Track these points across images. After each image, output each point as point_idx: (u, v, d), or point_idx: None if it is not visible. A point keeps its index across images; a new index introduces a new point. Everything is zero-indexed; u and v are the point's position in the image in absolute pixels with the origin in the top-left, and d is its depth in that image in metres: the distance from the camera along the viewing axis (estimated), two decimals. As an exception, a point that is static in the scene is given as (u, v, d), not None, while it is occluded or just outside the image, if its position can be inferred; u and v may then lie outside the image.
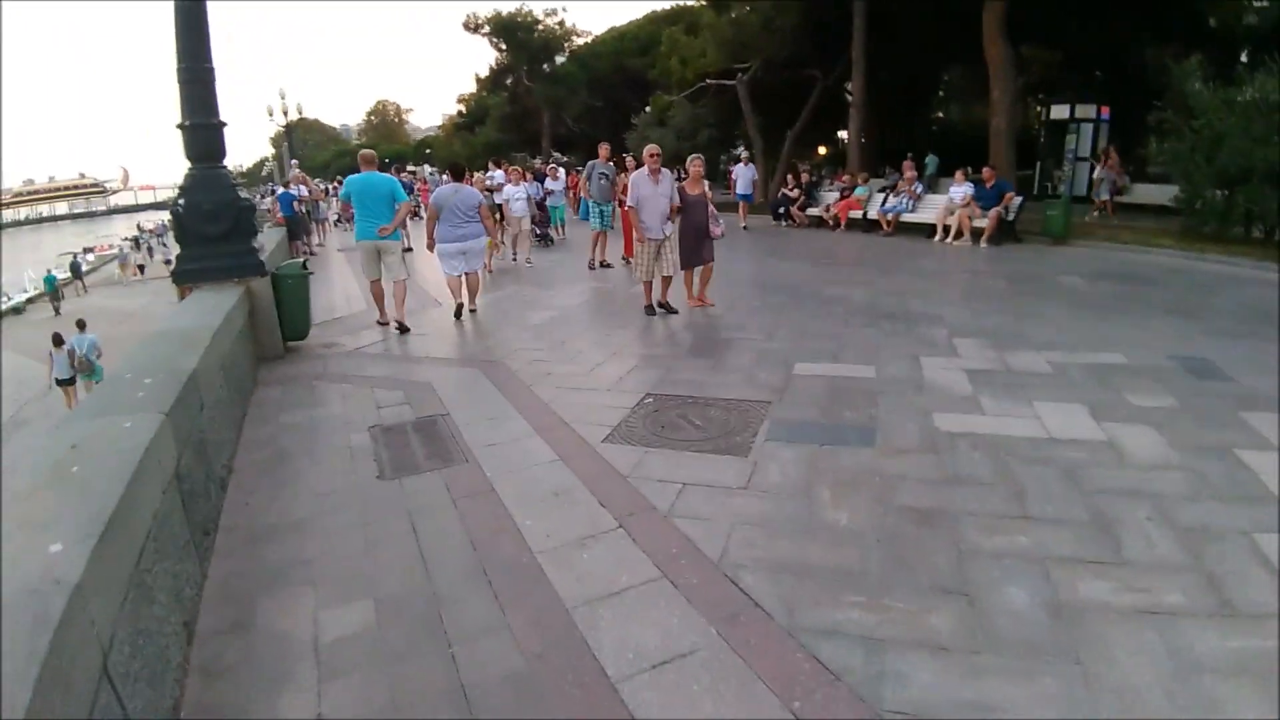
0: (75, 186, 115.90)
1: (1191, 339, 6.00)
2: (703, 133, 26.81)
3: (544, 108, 40.12)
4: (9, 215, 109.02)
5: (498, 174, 14.91)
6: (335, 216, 21.65)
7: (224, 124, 6.13)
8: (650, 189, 7.39)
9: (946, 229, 13.35)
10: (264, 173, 73.43)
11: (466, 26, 39.62)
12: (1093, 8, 17.42)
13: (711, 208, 7.75)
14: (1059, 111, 21.35)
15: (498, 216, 11.57)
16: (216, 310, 4.89)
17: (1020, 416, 4.35)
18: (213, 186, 6.02)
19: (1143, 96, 19.03)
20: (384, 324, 7.47)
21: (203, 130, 5.97)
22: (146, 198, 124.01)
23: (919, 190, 15.19)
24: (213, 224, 5.99)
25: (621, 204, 10.12)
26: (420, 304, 8.87)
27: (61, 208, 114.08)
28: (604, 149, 11.79)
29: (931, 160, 23.34)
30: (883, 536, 3.03)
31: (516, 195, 11.88)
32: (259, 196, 40.05)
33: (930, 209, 14.54)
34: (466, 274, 7.73)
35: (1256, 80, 11.48)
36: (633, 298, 8.56)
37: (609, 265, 10.99)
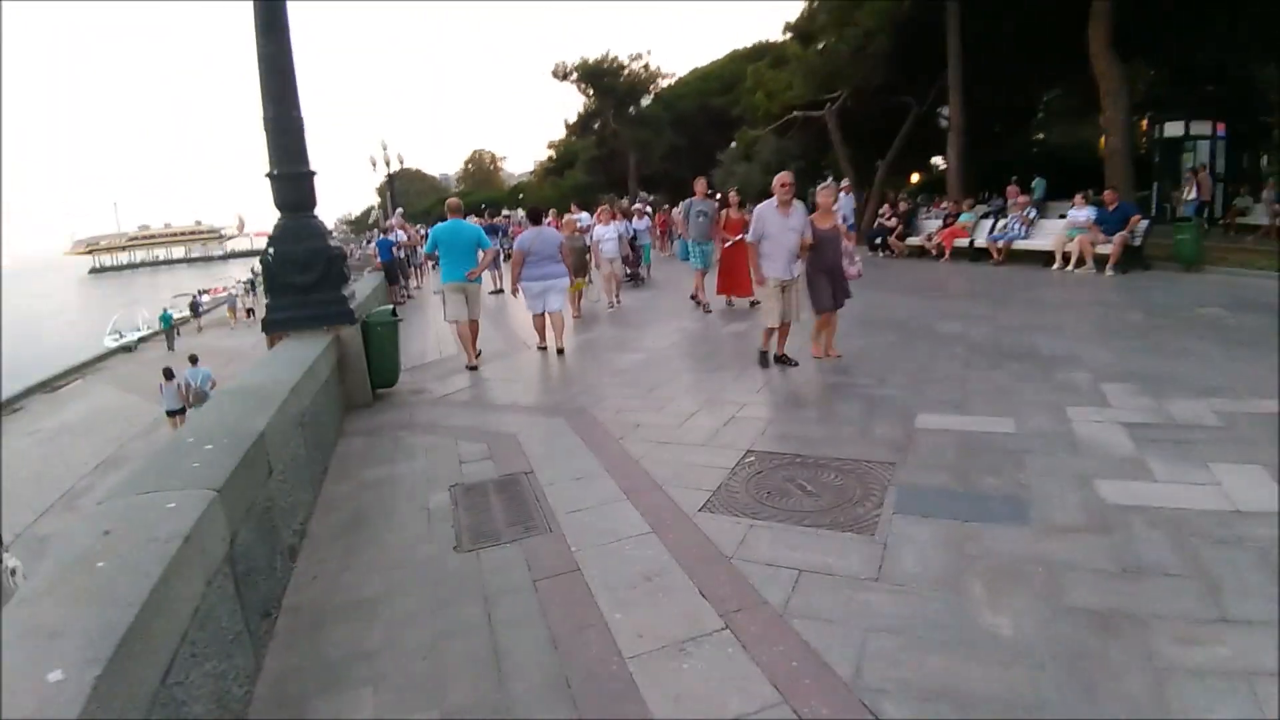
0: (192, 232, 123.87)
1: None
2: (790, 165, 26.21)
3: (630, 149, 40.72)
4: (125, 258, 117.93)
5: (583, 216, 14.89)
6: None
7: (313, 173, 6.15)
8: (779, 223, 6.30)
9: (1066, 256, 12.24)
10: (370, 220, 78.00)
11: (555, 74, 40.90)
12: (1197, 21, 15.99)
13: (847, 243, 6.96)
14: (1173, 129, 19.75)
15: (587, 257, 11.31)
16: (299, 362, 4.76)
17: (1198, 484, 3.60)
18: (302, 235, 6.02)
19: (1257, 111, 17.27)
20: (473, 368, 7.52)
21: (291, 180, 6.00)
22: (262, 243, 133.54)
23: (1032, 215, 14.08)
24: (302, 273, 5.97)
25: (724, 242, 9.80)
26: (510, 346, 8.71)
27: (178, 252, 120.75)
28: (700, 184, 10.97)
29: (1039, 183, 21.90)
30: (1057, 651, 2.40)
31: (607, 235, 11.59)
32: (366, 242, 42.37)
33: (1045, 235, 13.43)
34: (550, 313, 7.88)
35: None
36: (727, 340, 8.10)
37: (708, 309, 10.00)
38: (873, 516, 3.47)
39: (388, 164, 31.94)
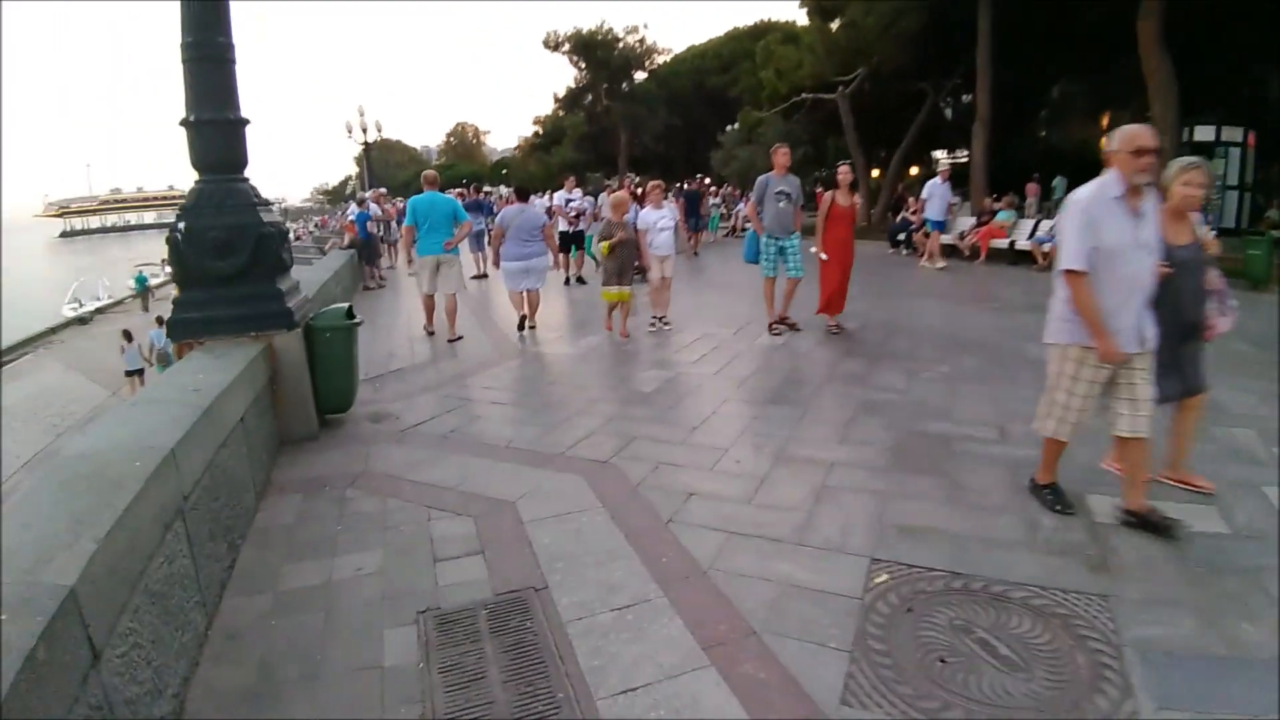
0: (164, 198, 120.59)
1: None
2: (797, 150, 24.65)
3: (622, 127, 38.85)
4: (96, 222, 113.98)
5: (575, 195, 13.15)
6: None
7: (245, 121, 4.51)
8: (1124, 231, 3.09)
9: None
10: (348, 191, 75.10)
11: (546, 44, 38.83)
12: (1245, 21, 14.78)
13: (1216, 279, 3.62)
14: (1203, 133, 18.56)
15: (635, 263, 7.72)
16: (196, 399, 3.15)
17: None
18: (225, 206, 4.36)
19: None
20: (430, 333, 7.82)
21: (214, 129, 4.35)
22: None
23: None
24: (224, 257, 4.33)
25: (829, 233, 7.19)
26: (499, 350, 7.12)
27: (150, 217, 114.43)
28: (782, 156, 7.25)
29: (1060, 182, 20.83)
30: None
31: (662, 224, 7.87)
32: (341, 214, 39.71)
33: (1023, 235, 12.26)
34: (528, 291, 7.87)
35: None
36: (798, 359, 6.57)
37: (795, 325, 7.47)
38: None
39: (364, 131, 29.70)
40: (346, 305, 4.90)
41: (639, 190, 14.16)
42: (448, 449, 4.45)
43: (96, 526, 1.94)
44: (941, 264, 12.55)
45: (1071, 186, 12.87)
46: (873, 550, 3.08)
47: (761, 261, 7.44)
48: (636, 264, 7.69)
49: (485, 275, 12.73)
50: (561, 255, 11.63)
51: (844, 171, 7.27)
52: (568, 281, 11.69)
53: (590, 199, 14.64)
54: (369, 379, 6.17)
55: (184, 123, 4.35)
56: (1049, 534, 3.26)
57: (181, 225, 4.33)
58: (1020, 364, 6.04)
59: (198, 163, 4.41)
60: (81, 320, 29.02)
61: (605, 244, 7.36)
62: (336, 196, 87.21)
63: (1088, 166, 19.53)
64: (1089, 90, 25.51)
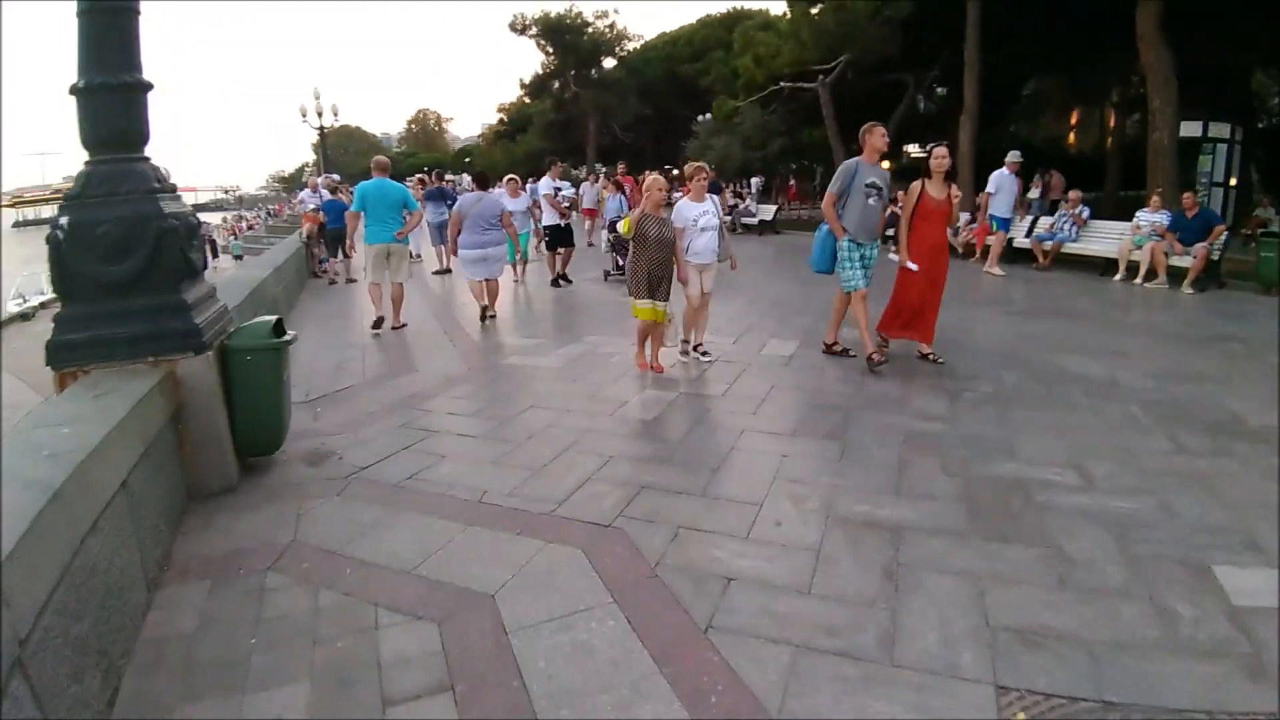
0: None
1: None
2: (774, 141, 23.97)
3: (591, 115, 37.78)
4: (50, 211, 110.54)
5: (564, 186, 12.12)
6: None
7: (147, 85, 3.49)
8: None
9: (1130, 266, 10.36)
10: (304, 179, 72.55)
11: (513, 27, 37.57)
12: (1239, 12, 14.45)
13: None
14: (1189, 128, 18.32)
15: (669, 276, 5.68)
16: (48, 471, 2.17)
17: None
18: (119, 194, 3.35)
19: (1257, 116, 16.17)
20: (377, 329, 7.47)
21: (108, 95, 3.35)
22: (188, 199, 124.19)
23: (1085, 215, 12.11)
24: (115, 260, 3.32)
25: (915, 234, 5.67)
26: (466, 357, 6.14)
27: None
28: (878, 138, 5.52)
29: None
30: None
31: (704, 221, 5.67)
32: (295, 202, 37.73)
33: (1097, 239, 11.57)
34: (487, 280, 7.84)
35: None
36: (814, 377, 5.74)
37: (848, 351, 6.04)
38: None
39: (319, 115, 28.11)
40: (273, 318, 3.89)
41: (621, 178, 13.13)
42: (403, 504, 3.49)
43: None
44: (1000, 271, 11.17)
45: (1068, 184, 12.12)
46: (994, 672, 2.25)
47: (845, 270, 5.65)
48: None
49: (449, 270, 11.68)
50: (549, 253, 10.60)
51: (940, 156, 5.66)
52: (555, 282, 10.46)
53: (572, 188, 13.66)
54: (309, 401, 5.19)
55: (73, 89, 3.33)
56: (1189, 628, 2.49)
57: (64, 220, 3.29)
58: (1065, 382, 5.35)
59: (88, 139, 3.40)
60: (24, 316, 26.93)
61: (627, 221, 5.61)
62: (292, 184, 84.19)
63: (1066, 162, 19.19)
64: (1060, 86, 25.39)
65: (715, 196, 5.85)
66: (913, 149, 34.87)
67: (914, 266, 5.65)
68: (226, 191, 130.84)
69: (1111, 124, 25.99)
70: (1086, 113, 30.41)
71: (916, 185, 5.70)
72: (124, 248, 3.35)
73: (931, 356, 5.86)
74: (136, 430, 2.89)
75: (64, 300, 3.43)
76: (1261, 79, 21.11)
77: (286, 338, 3.86)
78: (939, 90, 23.43)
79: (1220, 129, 17.13)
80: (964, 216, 13.62)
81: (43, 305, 28.81)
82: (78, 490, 2.24)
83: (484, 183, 8.35)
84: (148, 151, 3.58)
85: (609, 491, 3.54)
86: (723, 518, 3.26)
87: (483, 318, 7.74)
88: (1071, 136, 32.42)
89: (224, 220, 62.52)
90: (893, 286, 5.92)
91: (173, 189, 3.67)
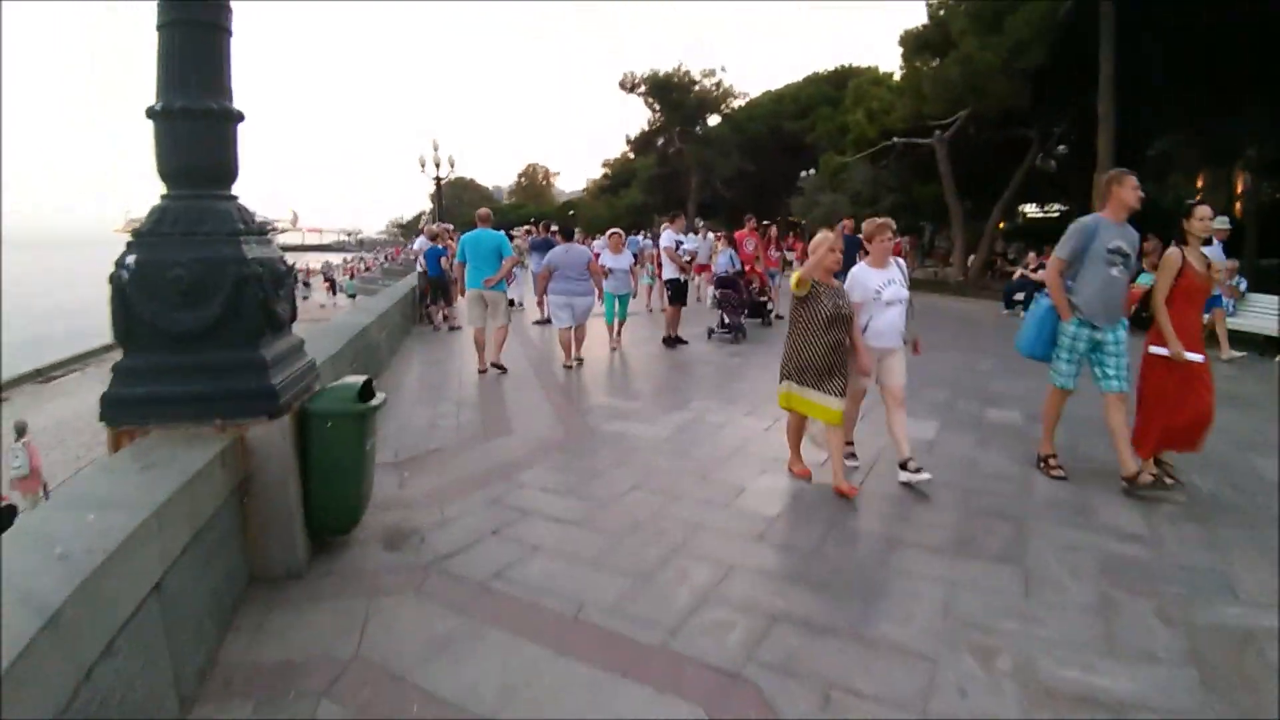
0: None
1: None
2: (886, 198, 22.99)
3: (694, 170, 37.94)
4: None
5: (689, 239, 11.61)
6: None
7: (238, 115, 3.20)
8: None
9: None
10: (419, 226, 76.79)
11: (623, 85, 38.52)
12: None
13: None
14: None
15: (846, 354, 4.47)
16: (51, 581, 1.72)
17: None
18: (199, 234, 3.03)
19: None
20: (483, 372, 7.76)
21: (191, 121, 3.03)
22: (313, 239, 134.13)
23: (1242, 287, 10.62)
24: (186, 307, 2.97)
25: (1179, 315, 4.31)
26: (566, 429, 5.61)
27: None
28: (1130, 192, 4.31)
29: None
30: None
31: (889, 293, 4.40)
32: (410, 246, 39.40)
33: (1259, 313, 10.05)
34: (575, 328, 8.03)
35: None
36: (963, 473, 4.88)
37: (1162, 476, 4.35)
38: None
39: (437, 165, 29.35)
40: (362, 379, 3.47)
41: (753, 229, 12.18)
42: (486, 614, 2.91)
43: None
44: (1234, 354, 9.12)
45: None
46: None
47: (1062, 363, 4.48)
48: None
49: (548, 320, 11.41)
50: (671, 308, 9.88)
51: (1204, 217, 4.34)
52: (668, 341, 9.63)
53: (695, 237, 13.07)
54: (397, 462, 4.77)
55: (151, 112, 3.06)
56: None
57: (130, 259, 2.99)
58: (1267, 491, 4.29)
59: (165, 169, 3.09)
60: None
61: (797, 277, 4.21)
62: (410, 230, 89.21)
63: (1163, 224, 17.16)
64: (1186, 145, 23.30)
65: (901, 261, 4.65)
66: (1029, 208, 32.96)
67: (1198, 357, 4.28)
68: (349, 235, 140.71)
69: (1240, 187, 23.61)
70: (1215, 174, 27.93)
71: (1175, 254, 4.32)
72: (198, 294, 2.99)
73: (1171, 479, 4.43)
74: (184, 515, 2.46)
75: (125, 349, 3.09)
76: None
77: (374, 402, 3.41)
78: (1060, 147, 21.91)
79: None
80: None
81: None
82: (85, 610, 1.77)
83: (568, 234, 8.88)
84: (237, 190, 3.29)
85: (733, 620, 2.83)
86: (887, 676, 2.49)
87: (566, 365, 8.06)
88: (1199, 199, 29.81)
89: (344, 260, 66.81)
90: (1144, 388, 4.47)
91: (261, 231, 3.34)
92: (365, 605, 2.97)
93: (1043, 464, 4.64)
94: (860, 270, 4.49)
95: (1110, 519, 3.90)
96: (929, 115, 18.43)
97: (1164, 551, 3.52)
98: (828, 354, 4.14)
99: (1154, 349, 4.38)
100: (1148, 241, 14.44)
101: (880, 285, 4.38)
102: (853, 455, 4.76)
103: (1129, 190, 4.27)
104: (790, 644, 2.67)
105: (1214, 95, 15.27)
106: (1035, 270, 13.39)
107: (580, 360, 8.17)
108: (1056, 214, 27.65)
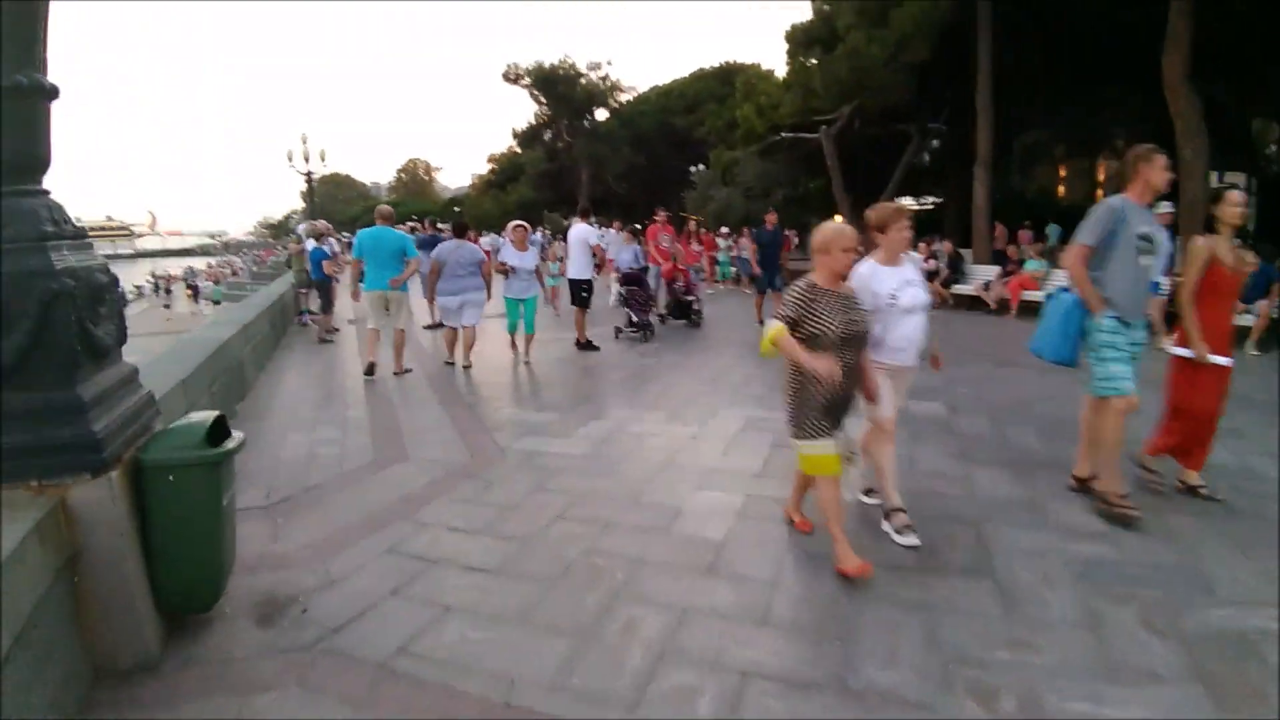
0: (102, 228, 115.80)
1: None
2: (776, 191, 23.39)
3: (583, 165, 37.42)
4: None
5: (609, 234, 10.94)
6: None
7: (52, 90, 2.45)
8: None
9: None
10: (291, 225, 71.99)
11: (506, 77, 37.43)
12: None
13: None
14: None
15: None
16: None
17: None
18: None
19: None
20: (370, 373, 7.34)
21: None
22: (175, 243, 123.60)
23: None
24: (-22, 337, 2.23)
25: (1208, 312, 3.93)
26: (473, 453, 5.01)
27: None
28: (1159, 172, 3.68)
29: (1054, 229, 19.92)
30: None
31: (910, 296, 3.53)
32: (282, 248, 36.42)
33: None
34: (463, 328, 7.72)
35: None
36: (967, 488, 4.65)
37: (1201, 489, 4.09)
38: None
39: (306, 159, 27.27)
40: (211, 416, 2.76)
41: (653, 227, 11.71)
42: (393, 708, 2.32)
43: None
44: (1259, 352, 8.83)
45: (1066, 234, 11.44)
46: None
47: (1109, 364, 3.71)
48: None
49: (440, 325, 10.59)
50: (578, 311, 9.16)
51: (1235, 203, 3.92)
52: (583, 345, 9.04)
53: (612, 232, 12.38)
54: (268, 505, 4.03)
55: None
56: None
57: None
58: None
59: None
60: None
61: (771, 337, 3.12)
62: (280, 230, 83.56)
63: (1059, 214, 18.75)
64: (1054, 138, 25.28)
65: (915, 255, 3.87)
66: (906, 200, 34.81)
67: (1225, 360, 3.92)
68: (213, 237, 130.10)
69: (1103, 176, 25.87)
70: (1077, 164, 30.46)
71: (1203, 244, 3.91)
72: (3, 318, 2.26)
73: (1202, 490, 4.05)
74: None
75: (-95, 396, 2.31)
76: (1259, 126, 21.03)
77: (229, 445, 2.73)
78: (934, 142, 23.11)
79: (1234, 180, 16.81)
80: (991, 271, 12.87)
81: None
82: None
83: (462, 231, 8.26)
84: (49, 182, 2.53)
85: (699, 684, 2.40)
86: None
87: (448, 362, 7.87)
88: (1062, 188, 32.48)
89: (209, 265, 61.56)
90: (1170, 389, 4.14)
91: (77, 234, 2.59)
92: (237, 706, 2.32)
93: (1105, 504, 3.76)
94: (869, 270, 3.51)
95: (1066, 517, 3.77)
96: (816, 110, 18.81)
97: (1127, 549, 3.39)
98: (841, 380, 3.09)
99: (1176, 350, 4.02)
100: (1023, 232, 15.35)
101: (896, 288, 3.46)
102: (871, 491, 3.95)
103: (1158, 171, 3.66)
104: (770, 707, 2.28)
105: (1081, 90, 16.45)
106: (928, 260, 13.84)
107: (467, 366, 7.70)
108: (930, 206, 29.20)
